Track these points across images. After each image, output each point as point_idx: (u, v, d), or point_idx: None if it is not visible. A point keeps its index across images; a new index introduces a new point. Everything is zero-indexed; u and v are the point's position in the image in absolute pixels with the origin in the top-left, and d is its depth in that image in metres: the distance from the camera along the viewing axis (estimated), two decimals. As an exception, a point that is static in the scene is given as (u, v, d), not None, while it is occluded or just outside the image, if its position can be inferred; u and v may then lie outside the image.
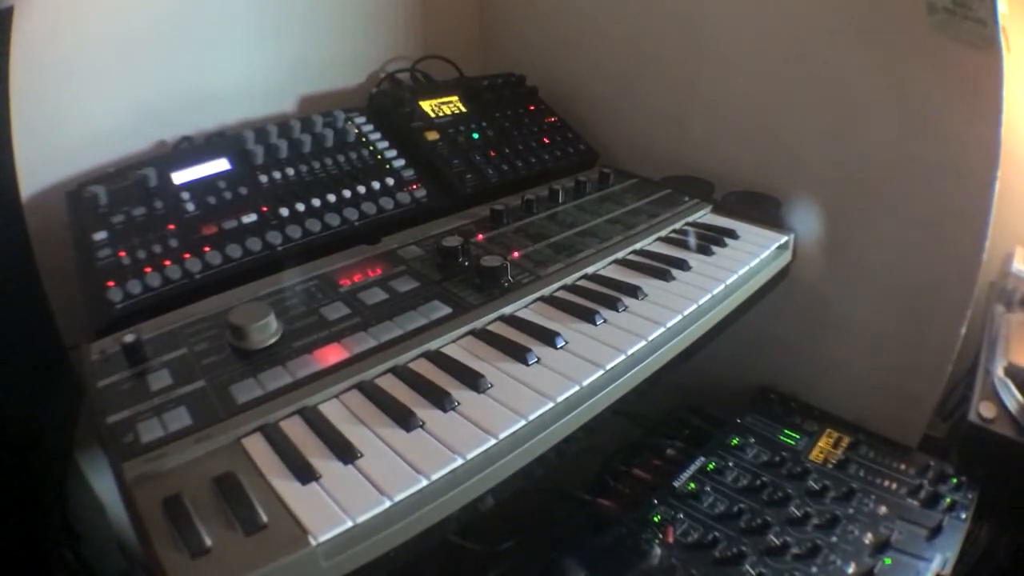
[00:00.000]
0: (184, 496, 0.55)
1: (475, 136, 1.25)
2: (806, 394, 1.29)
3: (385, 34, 1.44)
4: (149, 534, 0.52)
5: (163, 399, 0.66)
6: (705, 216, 1.15)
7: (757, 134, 1.24)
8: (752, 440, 1.16)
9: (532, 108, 1.38)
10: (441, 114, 1.26)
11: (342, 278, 0.89)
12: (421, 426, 0.64)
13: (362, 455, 0.60)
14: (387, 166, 1.13)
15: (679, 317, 0.84)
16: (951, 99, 1.02)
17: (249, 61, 1.23)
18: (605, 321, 0.82)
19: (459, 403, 0.67)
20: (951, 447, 1.13)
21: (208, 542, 0.51)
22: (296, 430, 0.64)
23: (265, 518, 0.53)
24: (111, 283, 0.83)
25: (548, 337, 0.77)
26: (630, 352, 0.77)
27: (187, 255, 0.89)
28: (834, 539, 0.95)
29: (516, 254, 0.96)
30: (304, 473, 0.57)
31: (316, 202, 1.01)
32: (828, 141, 1.16)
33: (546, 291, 0.89)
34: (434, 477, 0.58)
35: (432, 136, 1.20)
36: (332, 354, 0.73)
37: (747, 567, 0.91)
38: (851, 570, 0.91)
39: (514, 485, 0.65)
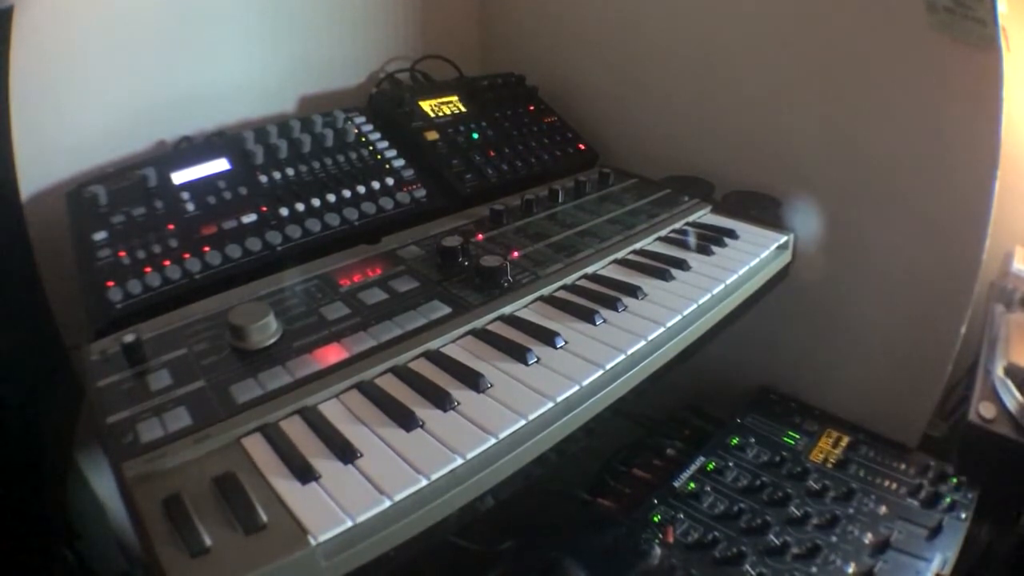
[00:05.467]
0: (184, 496, 0.55)
1: (475, 136, 1.25)
2: (806, 394, 1.29)
3: (385, 34, 1.44)
4: (149, 534, 0.51)
5: (163, 399, 0.66)
6: (705, 216, 1.15)
7: (757, 134, 1.24)
8: (752, 440, 1.16)
9: (532, 108, 1.38)
10: (441, 114, 1.26)
11: (342, 278, 0.89)
12: (421, 426, 0.64)
13: (362, 455, 0.60)
14: (387, 166, 1.13)
15: (679, 317, 0.84)
16: (951, 99, 1.02)
17: (249, 61, 1.23)
18: (605, 321, 0.82)
19: (459, 403, 0.67)
20: (951, 447, 1.13)
21: (208, 542, 0.51)
22: (296, 430, 0.63)
23: (265, 518, 0.53)
24: (111, 283, 0.83)
25: (548, 337, 0.77)
26: (630, 352, 0.77)
27: (187, 255, 0.89)
28: (834, 539, 0.95)
29: (516, 254, 0.96)
30: (304, 473, 0.57)
31: (316, 202, 1.01)
32: (828, 141, 1.16)
33: (546, 291, 0.89)
34: (434, 477, 0.58)
35: (432, 136, 1.20)
36: (332, 354, 0.73)
37: (747, 567, 0.91)
38: (851, 570, 0.91)
39: (514, 485, 0.65)
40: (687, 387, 1.35)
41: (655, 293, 0.89)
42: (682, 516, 1.00)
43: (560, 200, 1.15)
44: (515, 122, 1.32)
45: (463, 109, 1.30)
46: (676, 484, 1.06)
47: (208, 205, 0.96)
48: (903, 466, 1.10)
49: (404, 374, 0.72)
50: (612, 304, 0.85)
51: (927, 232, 1.10)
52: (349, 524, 0.53)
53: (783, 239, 1.06)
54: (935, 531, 0.96)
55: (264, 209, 0.98)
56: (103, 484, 1.06)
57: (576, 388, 0.70)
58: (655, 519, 0.99)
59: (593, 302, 0.85)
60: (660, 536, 0.96)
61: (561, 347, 0.76)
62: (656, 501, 1.02)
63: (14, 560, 0.91)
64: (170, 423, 0.62)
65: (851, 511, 1.00)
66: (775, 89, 1.20)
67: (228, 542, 0.51)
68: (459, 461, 0.60)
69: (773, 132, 1.22)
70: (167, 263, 0.87)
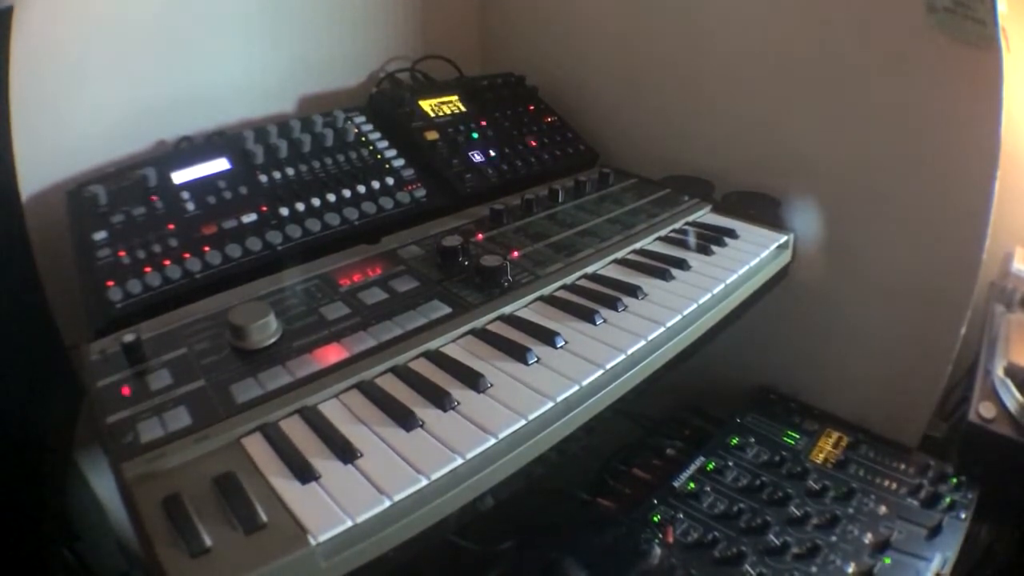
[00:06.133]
0: (184, 496, 0.55)
1: (475, 136, 1.25)
2: (806, 394, 1.29)
3: (385, 34, 1.44)
4: (149, 534, 0.52)
5: (163, 399, 0.66)
6: (705, 216, 1.15)
7: (757, 134, 1.24)
8: (752, 440, 1.16)
9: (532, 108, 1.38)
10: (441, 114, 1.26)
11: (342, 278, 0.89)
12: (421, 426, 0.64)
13: (362, 455, 0.60)
14: (387, 166, 1.13)
15: (679, 317, 0.84)
16: (951, 99, 1.02)
17: (249, 61, 1.23)
18: (605, 321, 0.82)
19: (459, 403, 0.67)
20: (951, 447, 1.13)
21: (208, 542, 0.51)
22: (296, 430, 0.64)
23: (265, 518, 0.53)
24: (111, 283, 0.83)
25: (548, 337, 0.77)
26: (630, 352, 0.77)
27: (187, 255, 0.89)
28: (834, 539, 0.95)
29: (516, 254, 0.96)
30: (304, 473, 0.57)
31: (316, 202, 1.01)
32: (828, 141, 1.16)
33: (546, 291, 0.89)
34: (434, 477, 0.58)
35: (432, 136, 1.20)
36: (332, 354, 0.73)
37: (747, 567, 0.91)
38: (851, 570, 0.91)
39: (514, 485, 0.65)
40: (687, 387, 1.35)
41: (655, 293, 0.89)
42: (682, 516, 1.00)
43: (560, 200, 1.15)
44: (515, 122, 1.32)
45: (463, 109, 1.29)
46: (676, 484, 1.06)
47: (208, 205, 0.96)
48: (903, 466, 1.10)
49: (404, 374, 0.72)
50: (612, 304, 0.85)
51: (927, 232, 1.10)
52: (349, 524, 0.53)
53: (783, 239, 1.06)
54: (935, 531, 0.96)
55: (264, 209, 0.98)
56: (103, 484, 1.06)
57: (576, 388, 0.70)
58: (655, 519, 0.99)
59: (593, 302, 0.85)
60: (660, 536, 0.96)
61: (561, 347, 0.76)
62: (656, 501, 1.02)
63: (14, 560, 0.91)
64: (170, 423, 0.63)
65: (851, 511, 1.00)
66: (775, 89, 1.19)
67: (228, 542, 0.51)
68: (459, 461, 0.60)
69: (773, 132, 1.22)
70: (167, 263, 0.87)
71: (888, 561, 0.92)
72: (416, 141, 1.18)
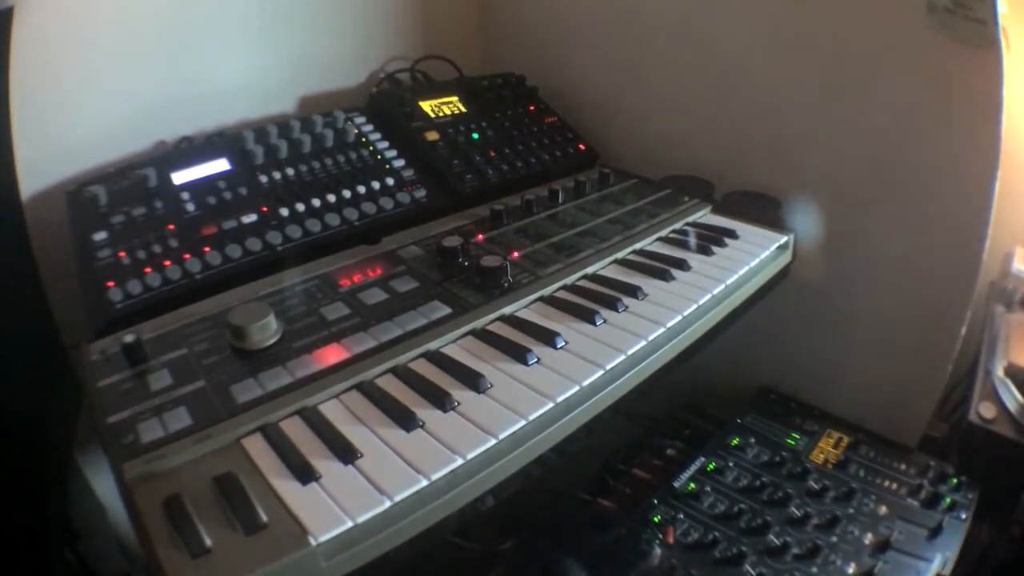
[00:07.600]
0: (184, 496, 0.55)
1: (475, 136, 1.25)
2: (806, 394, 1.29)
3: (385, 34, 1.44)
4: (149, 534, 0.52)
5: (163, 399, 0.66)
6: (705, 216, 1.15)
7: (757, 134, 1.24)
8: (752, 440, 1.16)
9: (532, 108, 1.38)
10: (441, 114, 1.26)
11: (342, 278, 0.89)
12: (421, 426, 0.64)
13: (362, 455, 0.60)
14: (387, 166, 1.13)
15: (679, 317, 0.84)
16: (951, 99, 1.02)
17: (249, 61, 1.23)
18: (605, 321, 0.82)
19: (459, 403, 0.67)
20: (951, 447, 1.13)
21: (208, 542, 0.51)
22: (296, 430, 0.64)
23: (265, 518, 0.53)
24: (111, 283, 0.83)
25: (548, 337, 0.77)
26: (630, 352, 0.77)
27: (187, 255, 0.89)
28: (834, 539, 0.95)
29: (516, 254, 0.96)
30: (304, 473, 0.57)
31: (316, 202, 1.01)
32: (828, 141, 1.16)
33: (546, 291, 0.89)
34: (434, 477, 0.58)
35: (432, 136, 1.20)
36: (332, 354, 0.73)
37: (747, 567, 0.91)
38: (851, 570, 0.91)
39: (514, 485, 0.65)
40: (687, 387, 1.35)
41: (655, 293, 0.89)
42: (682, 516, 1.00)
43: (560, 200, 1.14)
44: (515, 122, 1.32)
45: (463, 109, 1.29)
46: (676, 484, 1.06)
47: (208, 205, 0.96)
48: (903, 466, 1.10)
49: (404, 374, 0.72)
50: (612, 304, 0.85)
51: (927, 232, 1.10)
52: (349, 524, 0.53)
53: (783, 239, 1.06)
54: (935, 531, 0.96)
55: (264, 209, 0.98)
56: (103, 484, 1.06)
57: (576, 388, 0.70)
58: (655, 519, 0.99)
59: (593, 302, 0.85)
60: (660, 536, 0.96)
61: (561, 347, 0.76)
62: (656, 501, 1.02)
63: (15, 561, 0.91)
64: (170, 423, 0.63)
65: (851, 511, 1.00)
66: (775, 89, 1.19)
67: (228, 542, 0.51)
68: (459, 461, 0.60)
69: (773, 132, 1.22)
70: (167, 263, 0.87)
71: (888, 561, 0.92)
72: (416, 141, 1.18)
